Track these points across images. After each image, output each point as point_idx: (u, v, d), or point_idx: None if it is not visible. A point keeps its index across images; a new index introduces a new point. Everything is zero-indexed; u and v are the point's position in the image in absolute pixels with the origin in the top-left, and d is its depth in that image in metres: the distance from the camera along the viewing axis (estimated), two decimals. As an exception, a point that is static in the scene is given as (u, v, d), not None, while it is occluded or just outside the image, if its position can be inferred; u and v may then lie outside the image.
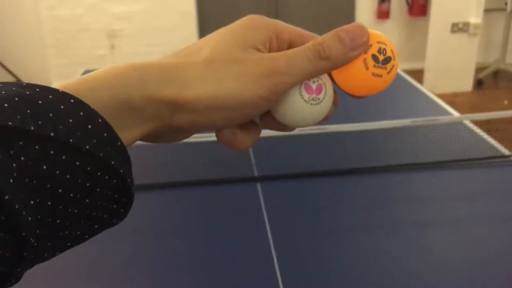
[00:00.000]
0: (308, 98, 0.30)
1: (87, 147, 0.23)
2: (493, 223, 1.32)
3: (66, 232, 0.25)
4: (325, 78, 0.32)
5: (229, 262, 1.21)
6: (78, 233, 0.26)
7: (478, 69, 4.61)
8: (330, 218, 1.38)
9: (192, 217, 1.43)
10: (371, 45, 0.31)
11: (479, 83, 4.64)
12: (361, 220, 1.36)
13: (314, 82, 0.30)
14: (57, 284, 1.18)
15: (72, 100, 0.24)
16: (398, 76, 2.72)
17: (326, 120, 0.33)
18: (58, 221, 0.24)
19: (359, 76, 0.31)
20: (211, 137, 1.48)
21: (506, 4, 4.55)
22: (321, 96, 0.31)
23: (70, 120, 0.23)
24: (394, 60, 0.31)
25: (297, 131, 1.47)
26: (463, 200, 1.45)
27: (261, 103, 0.29)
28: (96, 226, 0.27)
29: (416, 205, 1.43)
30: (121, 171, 0.25)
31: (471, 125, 1.90)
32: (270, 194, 1.49)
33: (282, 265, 1.17)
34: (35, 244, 0.23)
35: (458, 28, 4.27)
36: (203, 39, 0.31)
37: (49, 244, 0.25)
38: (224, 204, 1.48)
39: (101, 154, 0.24)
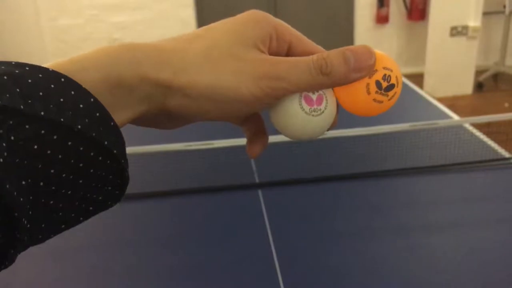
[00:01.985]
0: (309, 109, 0.30)
1: (79, 126, 0.23)
2: (494, 226, 1.33)
3: (60, 214, 0.25)
4: (326, 89, 0.31)
5: (231, 267, 1.21)
6: (73, 215, 0.26)
7: (478, 72, 4.61)
8: (331, 222, 1.38)
9: (194, 224, 1.44)
10: (376, 70, 0.30)
11: (479, 86, 4.64)
12: (362, 224, 1.36)
13: (314, 93, 0.30)
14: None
15: (62, 79, 0.23)
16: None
17: (331, 129, 0.32)
18: (51, 202, 0.23)
19: (359, 99, 0.30)
20: (211, 144, 1.49)
21: (504, 7, 4.56)
22: (322, 106, 0.30)
23: (61, 100, 0.22)
24: (397, 87, 0.31)
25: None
26: (464, 203, 1.45)
27: (255, 103, 0.29)
28: (91, 208, 0.26)
29: (417, 209, 1.43)
30: (115, 151, 0.25)
31: (471, 128, 1.90)
32: (272, 200, 1.50)
33: (284, 270, 1.17)
34: (28, 225, 0.22)
35: (457, 31, 4.28)
36: (203, 28, 0.31)
37: (43, 226, 0.24)
38: (226, 211, 1.48)
39: (93, 134, 0.23)
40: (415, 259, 1.21)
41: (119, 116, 0.26)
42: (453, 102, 4.27)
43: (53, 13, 4.62)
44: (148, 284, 1.18)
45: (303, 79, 0.29)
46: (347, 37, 5.16)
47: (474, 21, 4.28)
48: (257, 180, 1.62)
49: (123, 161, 0.26)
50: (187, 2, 4.75)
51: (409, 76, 3.45)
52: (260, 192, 1.54)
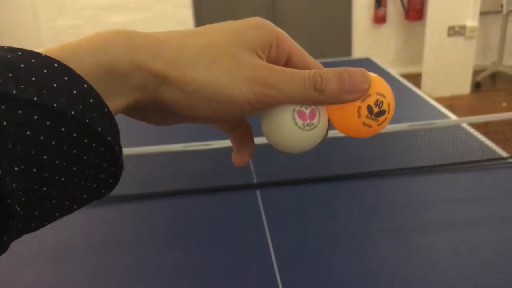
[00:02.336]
0: (302, 124, 0.30)
1: (73, 112, 0.22)
2: (492, 225, 1.33)
3: (54, 201, 0.25)
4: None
5: (229, 268, 1.21)
6: (67, 203, 0.26)
7: (476, 72, 4.62)
8: (330, 223, 1.38)
9: (192, 224, 1.44)
10: (369, 95, 0.30)
11: (477, 86, 4.65)
12: (360, 225, 1.37)
13: (307, 107, 0.30)
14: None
15: (55, 65, 0.23)
16: (395, 80, 2.74)
17: (322, 142, 0.33)
18: (44, 189, 0.23)
19: (349, 121, 0.31)
20: (210, 145, 1.49)
21: (502, 6, 4.57)
22: (315, 121, 0.30)
23: (54, 85, 0.22)
24: (388, 113, 0.31)
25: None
26: (462, 203, 1.45)
27: (246, 107, 0.29)
28: (84, 196, 0.26)
29: (415, 209, 1.43)
30: (109, 138, 0.24)
31: (469, 128, 1.91)
32: (270, 201, 1.50)
33: (282, 271, 1.17)
34: (22, 212, 0.22)
35: (455, 31, 4.29)
36: (204, 26, 0.31)
37: (36, 213, 0.24)
38: (224, 211, 1.48)
39: (87, 121, 0.23)
40: (413, 259, 1.21)
41: (113, 103, 0.26)
42: (451, 102, 4.28)
43: (52, 13, 4.62)
44: (147, 285, 1.18)
45: (296, 92, 0.29)
46: (345, 37, 5.17)
47: (471, 21, 4.29)
48: (255, 181, 1.62)
49: (117, 148, 0.25)
50: (186, 3, 4.76)
51: (407, 76, 3.46)
52: (258, 193, 1.55)
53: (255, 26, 0.30)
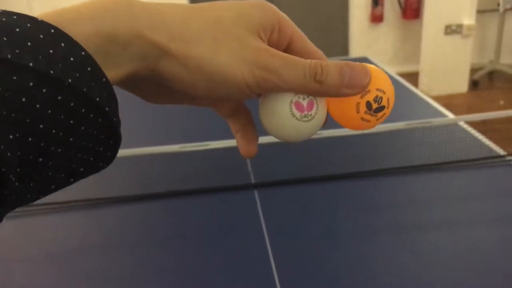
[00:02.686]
0: (300, 115, 0.30)
1: (70, 80, 0.22)
2: (490, 224, 1.33)
3: (50, 173, 0.24)
4: None
5: (227, 269, 1.21)
6: (63, 175, 0.25)
7: (473, 70, 4.63)
8: (328, 223, 1.38)
9: (189, 225, 1.43)
10: (369, 91, 0.30)
11: (474, 84, 4.66)
12: (358, 224, 1.37)
13: (304, 98, 0.30)
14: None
15: (52, 30, 0.22)
16: (393, 79, 2.74)
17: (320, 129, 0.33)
18: (40, 159, 0.22)
19: (347, 115, 0.31)
20: (207, 145, 1.48)
21: (498, 4, 4.58)
22: (312, 112, 0.30)
23: (51, 51, 0.21)
24: (387, 109, 0.31)
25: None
26: (460, 201, 1.45)
27: (245, 90, 0.29)
28: (81, 169, 0.26)
29: (413, 208, 1.43)
30: (107, 109, 0.24)
31: (466, 126, 1.91)
32: (268, 201, 1.50)
33: (280, 271, 1.17)
34: (16, 183, 0.22)
35: (452, 30, 4.30)
36: (208, 3, 0.30)
37: (31, 184, 0.23)
38: (222, 212, 1.48)
39: (84, 89, 0.22)
40: (412, 258, 1.21)
41: (111, 72, 0.25)
42: (448, 101, 4.29)
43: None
44: (146, 286, 1.18)
45: (296, 80, 0.29)
46: (342, 36, 5.17)
47: (468, 19, 4.29)
48: (253, 181, 1.62)
49: (115, 119, 0.25)
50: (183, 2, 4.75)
51: (404, 75, 3.46)
52: (256, 193, 1.54)
53: (259, 7, 0.30)
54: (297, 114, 0.30)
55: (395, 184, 1.59)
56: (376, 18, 5.02)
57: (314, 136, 1.60)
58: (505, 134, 2.18)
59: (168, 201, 1.55)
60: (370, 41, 5.14)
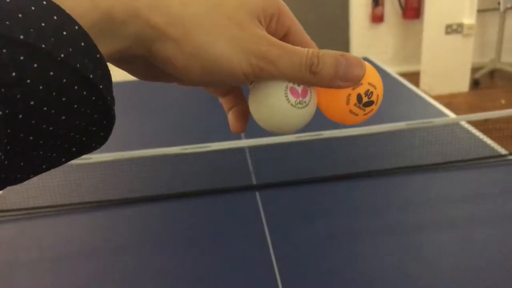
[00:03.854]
0: (295, 101, 0.30)
1: (62, 55, 0.21)
2: (492, 224, 1.33)
3: (41, 152, 0.23)
4: None
5: (229, 271, 1.21)
6: (54, 155, 0.24)
7: (474, 70, 4.62)
8: (329, 223, 1.38)
9: (191, 227, 1.43)
10: (361, 84, 0.30)
11: (475, 84, 4.66)
12: (360, 224, 1.36)
13: (299, 85, 0.30)
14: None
15: (44, 2, 0.21)
16: (394, 79, 2.74)
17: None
18: (30, 138, 0.22)
19: (337, 106, 0.31)
20: (208, 147, 1.48)
21: (499, 4, 4.57)
22: (307, 99, 0.30)
23: (43, 24, 0.20)
24: (375, 105, 0.31)
25: (293, 138, 1.48)
26: (461, 201, 1.45)
27: (241, 78, 0.28)
28: (73, 149, 0.25)
29: (414, 208, 1.43)
30: (101, 86, 0.23)
31: (467, 126, 1.90)
32: (269, 202, 1.50)
33: (282, 272, 1.17)
34: (6, 162, 0.21)
35: (452, 29, 4.29)
36: None
37: (22, 164, 0.23)
38: (224, 214, 1.48)
39: (77, 65, 0.21)
40: (414, 258, 1.21)
41: (104, 49, 0.24)
42: (449, 100, 4.28)
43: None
44: (147, 289, 1.18)
45: (291, 70, 0.29)
46: (343, 36, 5.17)
47: (469, 19, 4.29)
48: (254, 182, 1.62)
49: (109, 98, 0.24)
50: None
51: (405, 75, 3.45)
52: (257, 194, 1.54)
53: None
54: (292, 99, 0.30)
55: (398, 184, 1.59)
56: (377, 18, 5.02)
57: (315, 137, 1.59)
58: (507, 133, 2.18)
59: (169, 203, 1.55)
60: (370, 41, 5.13)
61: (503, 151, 1.69)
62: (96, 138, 0.25)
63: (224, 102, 0.36)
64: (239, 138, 1.76)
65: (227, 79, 0.28)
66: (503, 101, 4.23)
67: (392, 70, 2.97)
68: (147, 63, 0.28)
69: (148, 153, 1.50)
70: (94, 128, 0.25)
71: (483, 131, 1.86)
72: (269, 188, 1.57)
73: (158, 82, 0.33)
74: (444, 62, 4.41)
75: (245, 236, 1.35)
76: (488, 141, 1.77)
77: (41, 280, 1.24)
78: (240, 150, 1.78)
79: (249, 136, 1.65)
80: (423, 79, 4.59)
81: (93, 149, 0.26)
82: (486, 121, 2.12)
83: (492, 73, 4.91)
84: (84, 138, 0.25)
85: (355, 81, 0.30)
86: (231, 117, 0.35)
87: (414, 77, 4.53)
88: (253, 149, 1.76)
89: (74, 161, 1.44)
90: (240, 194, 1.56)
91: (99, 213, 1.52)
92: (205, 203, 1.53)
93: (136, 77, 0.32)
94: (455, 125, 1.89)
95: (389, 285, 1.12)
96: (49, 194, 1.57)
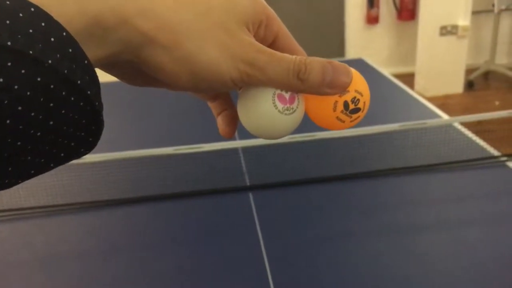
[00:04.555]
0: (282, 108, 0.30)
1: (50, 61, 0.21)
2: (484, 225, 1.33)
3: (29, 157, 0.23)
4: None
5: (221, 271, 1.21)
6: (43, 160, 0.24)
7: (469, 71, 4.64)
8: (322, 225, 1.38)
9: (183, 228, 1.43)
10: (348, 91, 0.30)
11: (470, 85, 4.67)
12: (353, 225, 1.36)
13: (286, 91, 0.30)
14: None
15: (32, 9, 0.21)
16: (388, 80, 2.74)
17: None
18: (18, 143, 0.22)
19: (324, 112, 0.31)
20: (201, 148, 1.48)
21: (493, 5, 4.59)
22: (294, 105, 0.30)
23: (30, 31, 0.20)
24: (362, 112, 0.32)
25: (286, 139, 1.48)
26: (454, 202, 1.45)
27: (229, 84, 0.29)
28: (62, 155, 0.25)
29: (407, 209, 1.43)
30: (88, 92, 0.23)
31: (460, 127, 1.91)
32: (262, 203, 1.49)
33: (275, 275, 1.16)
34: None
35: (447, 31, 4.31)
36: None
37: (10, 169, 0.23)
38: (216, 215, 1.48)
39: (65, 71, 0.21)
40: (405, 258, 1.21)
41: (92, 55, 0.24)
42: (444, 101, 4.30)
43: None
44: (138, 290, 1.17)
45: (279, 77, 0.29)
46: (338, 37, 5.18)
47: (463, 20, 4.30)
48: (248, 183, 1.61)
49: (97, 103, 0.24)
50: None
51: (400, 76, 3.46)
52: (251, 195, 1.54)
53: (251, 2, 0.30)
54: (280, 106, 0.30)
55: (390, 185, 1.59)
56: (372, 19, 5.03)
57: (309, 138, 1.59)
58: (500, 134, 2.18)
59: (162, 204, 1.54)
60: (366, 42, 5.14)
61: (496, 152, 1.69)
62: (84, 144, 0.26)
63: (213, 107, 0.36)
64: (232, 138, 1.75)
65: (215, 85, 0.29)
66: (497, 103, 4.25)
67: (387, 71, 2.97)
68: (136, 68, 0.28)
69: (140, 154, 1.49)
70: (82, 134, 0.25)
71: (477, 133, 1.86)
72: (263, 189, 1.57)
73: (147, 87, 0.33)
74: (438, 64, 4.43)
75: (237, 236, 1.35)
76: (481, 142, 1.77)
77: (32, 280, 1.23)
78: (234, 150, 1.77)
79: (242, 137, 1.65)
80: (417, 80, 4.60)
81: (82, 155, 0.26)
82: (479, 122, 2.12)
83: (487, 75, 4.93)
84: (72, 144, 0.25)
85: (342, 88, 0.30)
86: (220, 121, 0.36)
87: (408, 78, 4.54)
88: (247, 149, 1.76)
89: (66, 162, 1.43)
90: (233, 195, 1.55)
91: (90, 214, 1.52)
92: (198, 204, 1.53)
93: (125, 82, 0.32)
94: (449, 126, 1.89)
95: (382, 285, 1.12)
96: (41, 195, 1.56)
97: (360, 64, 3.11)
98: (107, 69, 0.30)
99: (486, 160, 1.65)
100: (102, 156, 1.45)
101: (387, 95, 2.51)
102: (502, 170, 1.61)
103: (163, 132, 2.17)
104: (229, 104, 0.36)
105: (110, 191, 1.59)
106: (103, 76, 0.34)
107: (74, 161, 1.42)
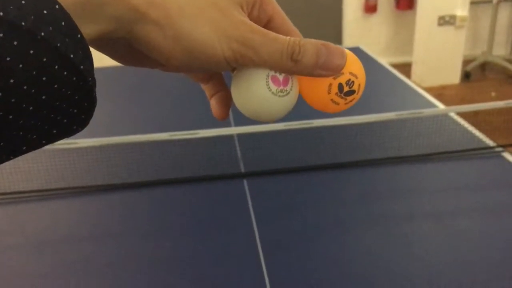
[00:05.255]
0: (276, 90, 0.30)
1: (42, 34, 0.20)
2: (479, 215, 1.33)
3: (21, 133, 0.23)
4: None
5: (215, 258, 1.21)
6: (35, 136, 0.24)
7: (466, 62, 4.63)
8: (316, 213, 1.38)
9: (177, 214, 1.43)
10: (342, 73, 0.30)
11: (466, 76, 4.67)
12: (347, 214, 1.37)
13: (280, 73, 0.30)
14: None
15: None
16: (385, 70, 2.73)
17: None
18: (10, 117, 0.21)
19: (318, 95, 0.31)
20: (196, 134, 1.47)
21: (492, -4, 4.57)
22: (288, 87, 0.30)
23: (22, 2, 0.20)
24: (357, 94, 0.31)
25: (282, 126, 1.47)
26: (449, 192, 1.46)
27: (223, 64, 0.28)
28: (54, 131, 0.25)
29: (402, 198, 1.43)
30: (82, 67, 0.23)
31: (456, 117, 1.91)
32: (257, 190, 1.49)
33: (268, 261, 1.17)
34: None
35: (445, 21, 4.29)
36: None
37: (1, 144, 0.23)
38: (210, 202, 1.47)
39: (58, 45, 0.21)
40: (399, 247, 1.21)
41: (85, 31, 0.24)
42: (440, 91, 4.29)
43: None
44: (131, 278, 1.17)
45: (272, 58, 0.28)
46: (336, 26, 5.15)
47: (461, 11, 4.29)
48: (242, 170, 1.61)
49: (90, 79, 0.23)
50: None
51: (397, 66, 3.45)
52: (245, 182, 1.54)
53: None
54: (273, 88, 0.30)
55: (386, 174, 1.59)
56: (370, 9, 5.00)
57: (305, 126, 1.58)
58: (496, 125, 2.19)
59: (156, 189, 1.54)
60: (363, 32, 5.12)
61: (491, 143, 1.69)
62: (77, 121, 0.25)
63: (206, 88, 0.36)
64: (228, 125, 1.74)
65: (208, 64, 0.28)
66: (493, 94, 4.25)
67: (384, 61, 2.96)
68: (129, 47, 0.28)
69: (135, 139, 1.48)
70: (75, 110, 0.24)
71: (473, 123, 1.86)
72: (257, 176, 1.57)
73: (141, 67, 0.32)
74: (436, 54, 4.42)
75: (231, 225, 1.35)
76: (477, 133, 1.77)
77: (25, 264, 1.22)
78: (229, 137, 1.77)
79: (238, 123, 1.64)
80: (414, 70, 4.59)
81: (74, 132, 0.26)
82: (476, 113, 2.12)
83: (484, 66, 4.92)
84: (65, 120, 0.24)
85: (336, 70, 0.30)
86: (213, 103, 0.36)
87: (405, 68, 4.53)
88: (242, 136, 1.76)
89: (60, 146, 1.42)
90: (227, 182, 1.55)
91: (85, 199, 1.51)
92: (192, 190, 1.53)
93: (118, 61, 0.32)
94: (445, 116, 1.89)
95: (375, 274, 1.12)
96: (35, 179, 1.55)
97: (357, 53, 3.06)
98: (101, 47, 0.29)
99: (481, 151, 1.65)
100: (96, 141, 1.44)
101: (384, 84, 2.50)
102: (498, 160, 1.62)
103: (158, 118, 2.16)
104: (222, 86, 0.36)
105: (105, 176, 1.58)
106: (99, 62, 0.33)
107: (69, 145, 1.41)
